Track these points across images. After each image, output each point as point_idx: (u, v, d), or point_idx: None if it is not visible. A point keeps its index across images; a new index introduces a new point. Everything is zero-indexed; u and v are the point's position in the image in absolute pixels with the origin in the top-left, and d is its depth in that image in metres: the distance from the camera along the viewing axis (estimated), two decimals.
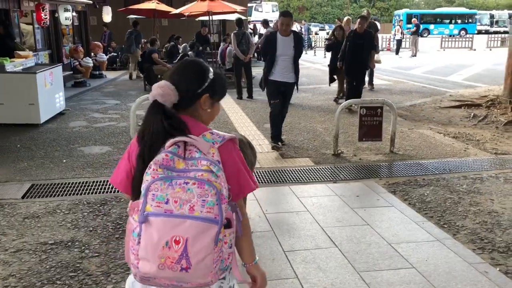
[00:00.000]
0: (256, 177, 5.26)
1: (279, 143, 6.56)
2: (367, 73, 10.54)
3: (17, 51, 8.75)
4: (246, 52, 10.74)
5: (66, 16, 12.55)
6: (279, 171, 5.57)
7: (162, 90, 1.67)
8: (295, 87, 6.51)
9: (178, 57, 13.47)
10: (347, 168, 5.70)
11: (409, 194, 4.84)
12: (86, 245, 3.71)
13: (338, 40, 10.02)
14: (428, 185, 5.11)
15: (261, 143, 6.85)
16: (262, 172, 5.49)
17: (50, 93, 8.38)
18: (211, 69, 1.77)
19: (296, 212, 4.35)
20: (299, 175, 5.43)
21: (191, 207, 1.51)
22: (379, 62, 12.16)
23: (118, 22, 18.09)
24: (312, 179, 5.30)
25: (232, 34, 11.18)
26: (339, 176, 5.41)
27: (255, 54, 18.78)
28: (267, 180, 5.25)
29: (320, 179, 5.32)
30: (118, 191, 4.22)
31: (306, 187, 5.05)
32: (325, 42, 15.97)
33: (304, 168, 5.70)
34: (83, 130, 7.74)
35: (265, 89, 6.64)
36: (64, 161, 6.01)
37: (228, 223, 1.59)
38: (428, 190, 4.95)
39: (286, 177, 5.37)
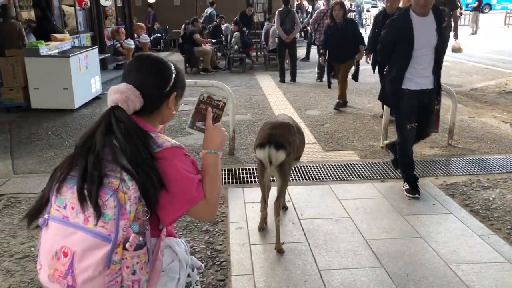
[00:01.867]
0: (293, 173, 4.72)
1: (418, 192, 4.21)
2: None
3: (54, 34, 8.53)
4: (290, 32, 10.08)
5: None
6: (319, 166, 4.98)
7: (126, 96, 1.45)
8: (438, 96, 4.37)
9: (222, 39, 12.92)
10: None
11: (470, 198, 4.15)
12: None
13: (336, 22, 7.43)
14: (494, 186, 4.38)
15: None
16: (300, 167, 4.93)
17: (85, 77, 8.12)
18: (170, 63, 1.59)
19: (336, 219, 3.78)
20: (342, 171, 4.83)
21: (87, 217, 1.34)
22: (459, 50, 9.01)
23: (162, 2, 17.80)
24: (356, 177, 4.69)
25: (276, 12, 10.54)
26: (388, 173, 4.76)
27: (302, 34, 18.03)
28: (305, 177, 4.69)
29: (366, 176, 4.70)
30: None
31: (349, 187, 4.45)
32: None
33: (348, 163, 5.08)
34: None
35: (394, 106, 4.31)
36: None
37: (139, 245, 1.37)
38: (493, 193, 4.23)
39: (327, 173, 4.78)
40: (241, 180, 4.64)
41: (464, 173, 4.75)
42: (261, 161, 3.28)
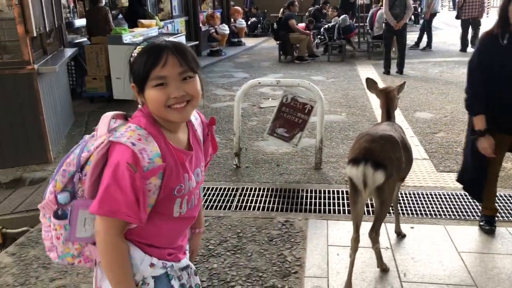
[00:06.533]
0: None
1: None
2: None
3: (141, 20, 8.12)
4: (401, 17, 8.72)
5: None
6: (430, 195, 3.83)
7: None
8: None
9: (338, 32, 11.42)
10: None
11: None
12: None
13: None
14: None
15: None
16: (405, 194, 3.83)
17: None
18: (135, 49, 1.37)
19: (455, 286, 2.69)
20: (462, 206, 3.64)
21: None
22: None
23: None
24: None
25: None
26: None
27: (412, 18, 16.23)
28: (410, 210, 3.59)
29: (497, 215, 3.48)
30: None
31: (473, 231, 3.28)
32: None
33: None
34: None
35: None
36: None
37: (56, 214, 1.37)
38: None
39: (441, 207, 3.63)
40: (326, 207, 3.68)
41: None
42: (353, 182, 2.55)
